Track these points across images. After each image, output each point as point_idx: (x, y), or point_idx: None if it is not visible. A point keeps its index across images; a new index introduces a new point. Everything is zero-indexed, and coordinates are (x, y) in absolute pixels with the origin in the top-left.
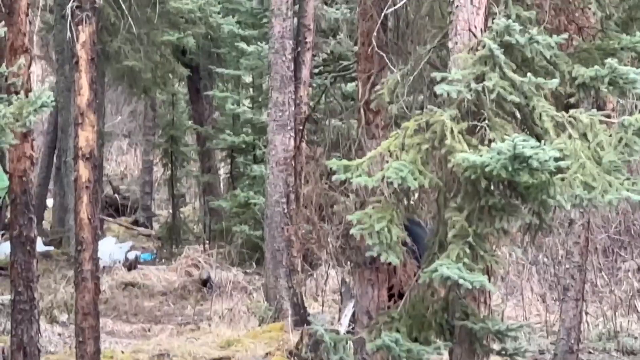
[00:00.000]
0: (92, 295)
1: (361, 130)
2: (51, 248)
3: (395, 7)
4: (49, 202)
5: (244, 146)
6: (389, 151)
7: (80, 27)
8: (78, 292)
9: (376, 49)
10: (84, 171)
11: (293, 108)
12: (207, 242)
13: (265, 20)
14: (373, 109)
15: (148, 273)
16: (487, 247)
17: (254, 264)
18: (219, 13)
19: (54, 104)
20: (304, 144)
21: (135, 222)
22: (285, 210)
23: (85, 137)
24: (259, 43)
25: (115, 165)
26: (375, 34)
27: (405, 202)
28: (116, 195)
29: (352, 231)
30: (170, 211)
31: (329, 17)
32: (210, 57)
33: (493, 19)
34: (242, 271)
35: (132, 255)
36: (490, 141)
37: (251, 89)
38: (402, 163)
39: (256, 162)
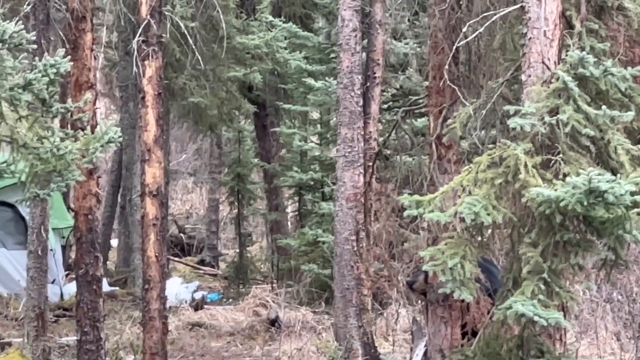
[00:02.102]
0: (160, 334)
1: (433, 165)
2: (116, 288)
3: (467, 40)
4: (113, 242)
5: (312, 183)
6: (462, 186)
7: (146, 62)
8: (145, 331)
9: (448, 82)
10: (151, 208)
11: (362, 144)
12: (275, 281)
13: (332, 55)
14: (445, 143)
15: (215, 313)
16: (562, 283)
17: (322, 303)
18: (285, 48)
19: (120, 139)
20: (373, 181)
21: (202, 262)
22: (355, 248)
23: (152, 173)
24: (326, 79)
25: (181, 204)
26: (447, 67)
27: (479, 237)
28: (182, 234)
29: (424, 267)
30: (237, 250)
31: (397, 51)
32: (277, 93)
33: (567, 51)
34: (311, 310)
35: (198, 295)
36: (564, 175)
37: (319, 125)
38: (475, 198)
39: (324, 199)
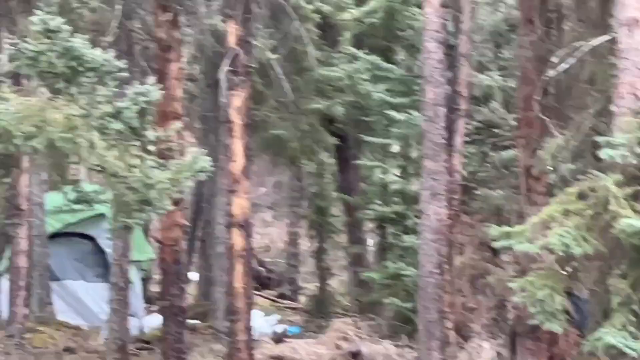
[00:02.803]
0: None
1: (522, 197)
2: (196, 321)
3: (557, 71)
4: (192, 274)
5: (394, 216)
6: (552, 217)
7: (234, 93)
8: None
9: (538, 114)
10: (237, 240)
11: (446, 176)
12: (357, 314)
13: (415, 87)
14: (534, 175)
15: (296, 346)
16: None
17: (405, 336)
18: (367, 80)
19: (212, 169)
20: (458, 213)
21: (281, 296)
22: (439, 281)
23: (240, 204)
24: (408, 111)
25: (259, 238)
26: (536, 98)
27: (569, 269)
28: (261, 268)
29: (514, 299)
30: (317, 284)
31: (482, 84)
32: (358, 125)
33: None
34: (393, 344)
35: (280, 329)
36: None
37: (401, 158)
38: (565, 230)
39: (407, 232)
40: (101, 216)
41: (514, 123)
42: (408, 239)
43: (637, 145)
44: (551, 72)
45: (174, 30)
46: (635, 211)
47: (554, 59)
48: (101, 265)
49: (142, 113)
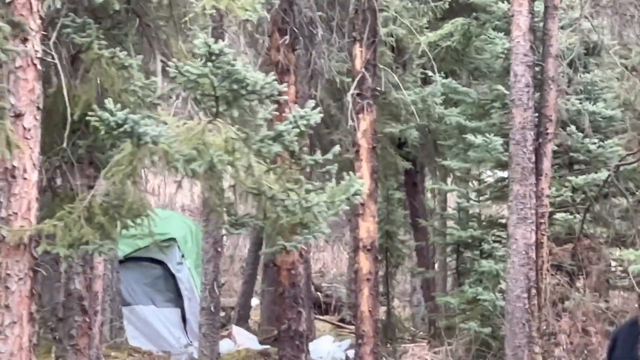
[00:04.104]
0: None
1: None
2: (268, 346)
3: None
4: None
5: (470, 241)
6: None
7: (361, 116)
8: None
9: None
10: (365, 263)
11: (534, 200)
12: (428, 339)
13: (492, 110)
14: None
15: None
16: None
17: None
18: (441, 104)
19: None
20: (545, 237)
21: (342, 320)
22: (527, 306)
23: (367, 227)
24: (486, 134)
25: (313, 262)
26: None
27: None
28: (318, 292)
29: None
30: (385, 308)
31: (569, 108)
32: (427, 149)
33: None
34: None
35: (352, 354)
36: None
37: (476, 182)
38: None
39: (483, 256)
40: (171, 240)
41: (593, 147)
42: (486, 264)
43: None
44: None
45: (292, 54)
46: None
47: None
48: (171, 290)
49: (301, 136)
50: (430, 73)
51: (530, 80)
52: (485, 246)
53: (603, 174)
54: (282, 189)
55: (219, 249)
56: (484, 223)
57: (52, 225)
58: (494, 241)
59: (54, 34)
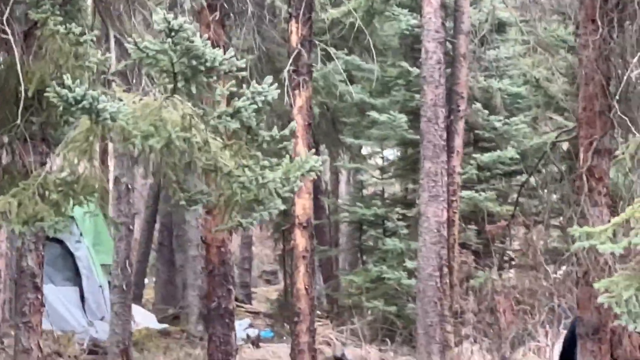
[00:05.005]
0: None
1: (584, 197)
2: (166, 325)
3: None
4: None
5: (373, 219)
6: (635, 217)
7: (297, 92)
8: None
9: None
10: (300, 240)
11: (446, 178)
12: (330, 318)
13: (396, 87)
14: (596, 175)
15: (277, 350)
16: None
17: (387, 340)
18: (343, 81)
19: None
20: (456, 215)
21: (235, 300)
22: (439, 284)
23: (302, 205)
24: (390, 112)
25: None
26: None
27: None
28: None
29: (599, 300)
30: (282, 287)
31: (483, 85)
32: (336, 126)
33: None
34: (377, 348)
35: (253, 333)
36: None
37: (380, 160)
38: None
39: (386, 235)
40: (70, 219)
41: (499, 124)
42: (390, 242)
43: None
44: (635, 73)
45: (220, 29)
46: None
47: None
48: (70, 269)
49: (258, 112)
50: (333, 50)
51: (441, 57)
52: (389, 224)
53: (509, 152)
54: (237, 165)
55: (131, 227)
56: (387, 201)
57: (6, 203)
58: (398, 219)
59: (7, 10)
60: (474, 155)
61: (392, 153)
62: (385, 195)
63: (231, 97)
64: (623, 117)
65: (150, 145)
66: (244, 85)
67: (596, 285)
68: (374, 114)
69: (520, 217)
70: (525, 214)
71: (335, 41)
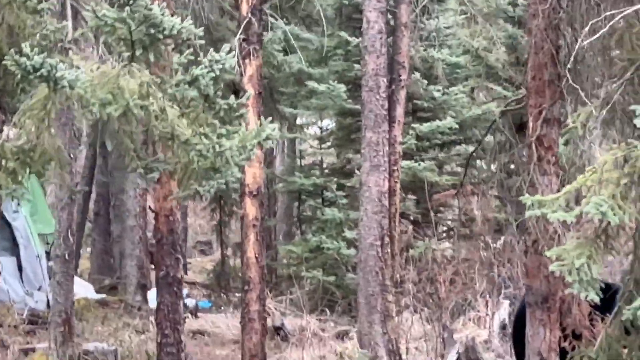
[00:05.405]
0: (260, 336)
1: (533, 166)
2: (103, 295)
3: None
4: None
5: (312, 189)
6: (586, 186)
7: (247, 61)
8: (245, 333)
9: (556, 82)
10: (251, 209)
11: (387, 147)
12: (271, 288)
13: (335, 57)
14: (545, 144)
15: (216, 320)
16: None
17: (326, 310)
18: (281, 51)
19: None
20: (397, 185)
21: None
22: (380, 254)
23: (252, 173)
24: (330, 82)
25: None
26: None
27: (604, 238)
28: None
29: (551, 268)
30: (219, 257)
31: (422, 55)
32: (273, 96)
33: None
34: (316, 318)
35: (191, 303)
36: None
37: (319, 130)
38: (602, 198)
39: (325, 205)
40: None
41: (437, 94)
42: (329, 212)
43: None
44: (586, 42)
45: None
46: None
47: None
48: (7, 238)
49: (216, 81)
50: (271, 20)
51: (383, 26)
52: (328, 194)
53: (448, 122)
54: (195, 133)
55: (73, 197)
56: (326, 171)
57: None
58: (337, 189)
59: None
60: (413, 125)
61: (328, 123)
62: (324, 165)
63: (188, 65)
64: (573, 85)
65: (108, 113)
66: (201, 54)
67: (547, 254)
68: (312, 84)
69: (469, 186)
70: (468, 184)
71: (273, 10)
